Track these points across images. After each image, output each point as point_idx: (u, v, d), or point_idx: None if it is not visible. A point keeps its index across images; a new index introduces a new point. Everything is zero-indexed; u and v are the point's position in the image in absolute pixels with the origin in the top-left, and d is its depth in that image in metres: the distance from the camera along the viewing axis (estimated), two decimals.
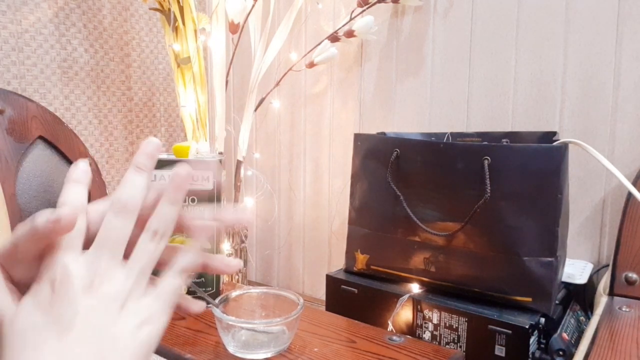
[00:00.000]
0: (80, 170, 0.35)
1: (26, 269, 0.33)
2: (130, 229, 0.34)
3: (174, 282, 0.35)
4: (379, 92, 1.16)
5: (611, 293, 0.80)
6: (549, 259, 0.73)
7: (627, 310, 0.75)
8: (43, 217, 0.30)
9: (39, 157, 1.01)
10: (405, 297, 0.81)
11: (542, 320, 0.73)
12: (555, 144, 0.75)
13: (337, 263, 1.25)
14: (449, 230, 0.78)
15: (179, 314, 0.73)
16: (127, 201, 0.34)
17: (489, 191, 0.72)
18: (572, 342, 0.76)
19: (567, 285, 0.85)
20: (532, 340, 0.70)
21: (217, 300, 0.64)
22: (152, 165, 0.36)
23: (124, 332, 0.32)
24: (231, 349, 0.62)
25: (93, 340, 0.31)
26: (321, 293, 1.27)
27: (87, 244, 0.34)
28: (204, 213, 0.38)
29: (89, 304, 0.31)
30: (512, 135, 0.90)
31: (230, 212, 0.38)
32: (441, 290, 0.81)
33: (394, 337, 0.66)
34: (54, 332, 0.30)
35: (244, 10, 1.06)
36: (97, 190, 1.05)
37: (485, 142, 0.90)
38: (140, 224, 0.34)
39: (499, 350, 0.72)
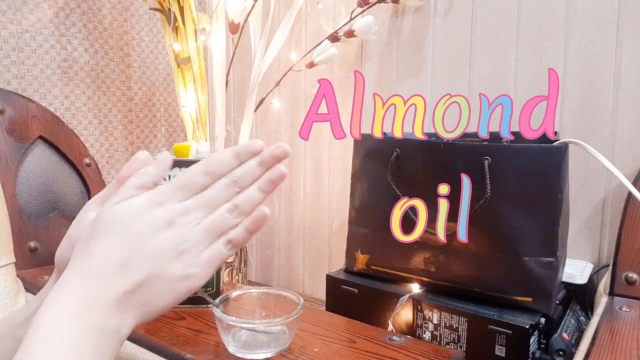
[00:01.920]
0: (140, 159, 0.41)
1: None
2: (205, 186, 0.38)
3: (224, 251, 0.38)
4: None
5: (611, 293, 0.80)
6: (549, 259, 0.73)
7: (627, 310, 0.75)
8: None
9: (39, 157, 1.01)
10: (406, 297, 0.81)
11: (542, 320, 0.73)
12: (555, 144, 0.75)
13: (337, 263, 1.25)
14: (449, 230, 0.78)
15: (179, 314, 0.73)
16: (217, 164, 0.38)
17: (489, 191, 0.72)
18: (572, 342, 0.76)
19: (568, 285, 0.85)
20: (532, 340, 0.70)
21: (217, 300, 0.64)
22: (247, 157, 0.39)
23: (173, 274, 0.36)
24: (231, 349, 0.62)
25: (148, 262, 0.35)
26: (321, 293, 1.27)
27: None
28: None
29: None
30: (512, 135, 0.90)
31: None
32: (441, 290, 0.81)
33: (394, 337, 0.66)
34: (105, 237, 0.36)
35: (244, 10, 1.06)
36: (97, 190, 1.05)
37: (485, 142, 0.90)
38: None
39: (499, 351, 0.72)
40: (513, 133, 0.92)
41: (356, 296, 0.87)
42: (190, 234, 0.37)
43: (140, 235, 0.36)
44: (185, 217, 0.37)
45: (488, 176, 0.73)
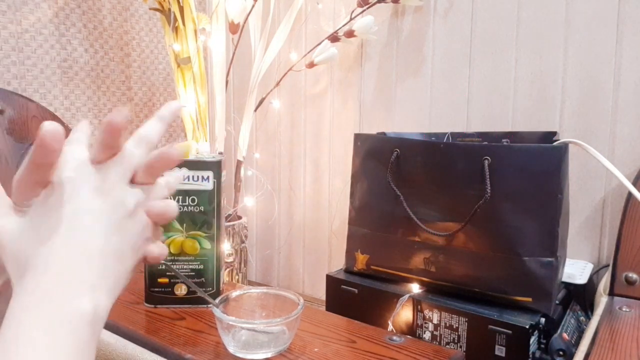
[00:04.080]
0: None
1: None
2: (142, 159, 0.38)
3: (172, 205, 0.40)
4: (379, 92, 1.16)
5: (611, 293, 0.80)
6: (549, 259, 0.73)
7: (627, 310, 0.75)
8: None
9: None
10: (406, 297, 0.81)
11: (542, 320, 0.73)
12: (555, 144, 0.75)
13: (337, 263, 1.25)
14: (449, 230, 0.78)
15: (179, 314, 0.73)
16: (146, 136, 0.39)
17: (489, 191, 0.72)
18: (572, 342, 0.76)
19: (567, 285, 0.85)
20: (532, 340, 0.70)
21: (217, 300, 0.64)
22: (171, 119, 0.41)
23: (128, 246, 0.37)
24: (231, 349, 0.62)
25: (99, 238, 0.35)
26: (321, 293, 1.27)
27: None
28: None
29: (98, 205, 0.35)
30: (512, 135, 0.90)
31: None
32: (441, 290, 0.81)
33: (394, 337, 0.66)
34: (64, 226, 0.34)
35: (244, 10, 1.06)
36: None
37: (486, 142, 0.90)
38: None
39: (499, 351, 0.72)
40: (513, 133, 0.92)
41: (356, 296, 0.87)
42: (129, 194, 0.38)
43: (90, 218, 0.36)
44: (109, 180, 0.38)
45: (488, 176, 0.73)
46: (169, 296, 0.74)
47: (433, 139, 0.97)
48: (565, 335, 0.76)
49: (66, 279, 0.33)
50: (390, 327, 0.82)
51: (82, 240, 0.35)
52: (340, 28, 1.11)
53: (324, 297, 0.94)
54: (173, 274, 0.73)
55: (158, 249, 0.40)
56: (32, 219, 0.35)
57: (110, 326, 0.68)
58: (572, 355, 0.70)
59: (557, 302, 0.78)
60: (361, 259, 0.90)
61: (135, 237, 0.37)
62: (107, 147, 0.37)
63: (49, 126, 0.33)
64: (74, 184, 0.35)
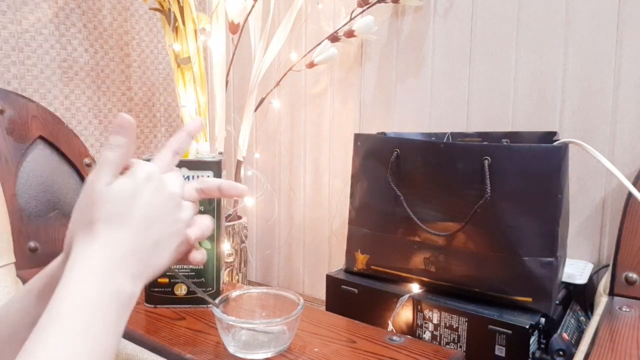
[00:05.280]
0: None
1: None
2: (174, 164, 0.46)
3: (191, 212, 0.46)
4: (379, 92, 1.16)
5: (611, 293, 0.80)
6: (549, 259, 0.73)
7: (627, 310, 0.75)
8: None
9: (39, 157, 1.01)
10: (406, 297, 0.81)
11: (542, 320, 0.73)
12: (555, 144, 0.75)
13: (337, 263, 1.25)
14: (449, 230, 0.78)
15: (179, 314, 0.73)
16: (179, 148, 0.47)
17: (489, 191, 0.72)
18: (572, 342, 0.76)
19: (567, 285, 0.85)
20: (532, 340, 0.70)
21: (217, 300, 0.64)
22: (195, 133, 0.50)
23: (174, 242, 0.43)
24: (231, 349, 0.62)
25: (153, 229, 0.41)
26: (321, 293, 1.27)
27: None
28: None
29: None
30: (512, 135, 0.90)
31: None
32: (441, 290, 0.81)
33: (394, 337, 0.66)
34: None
35: (244, 10, 1.06)
36: None
37: (485, 142, 0.90)
38: None
39: (499, 350, 0.72)
40: (513, 133, 0.92)
41: (356, 296, 0.87)
42: (185, 207, 0.44)
43: (147, 207, 0.40)
44: (180, 187, 0.45)
45: (488, 176, 0.73)
46: (169, 296, 0.74)
47: (433, 139, 0.97)
48: (565, 335, 0.76)
49: (109, 266, 0.38)
50: (390, 327, 0.82)
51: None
52: (340, 28, 1.11)
53: (324, 297, 0.94)
54: (173, 274, 0.73)
55: (200, 255, 0.47)
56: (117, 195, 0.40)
57: None
58: (572, 355, 0.70)
59: (557, 302, 0.78)
60: (361, 259, 0.90)
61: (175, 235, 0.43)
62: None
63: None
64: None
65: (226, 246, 1.16)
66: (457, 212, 0.77)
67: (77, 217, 0.40)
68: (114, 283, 0.37)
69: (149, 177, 0.41)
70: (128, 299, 0.38)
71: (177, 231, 0.43)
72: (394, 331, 0.81)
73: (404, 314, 0.81)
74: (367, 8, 1.07)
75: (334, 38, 1.12)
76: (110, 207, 0.39)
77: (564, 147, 0.73)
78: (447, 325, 0.77)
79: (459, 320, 0.76)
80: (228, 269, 1.16)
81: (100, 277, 0.37)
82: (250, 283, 1.41)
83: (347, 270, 0.93)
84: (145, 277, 0.40)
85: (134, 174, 0.41)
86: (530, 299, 0.74)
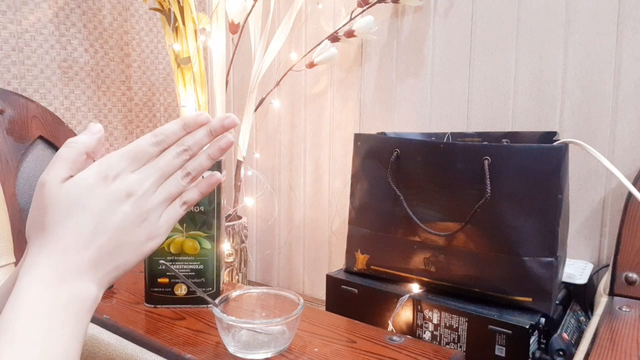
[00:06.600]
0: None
1: None
2: (155, 155, 0.41)
3: (180, 212, 0.42)
4: (379, 92, 1.16)
5: (611, 293, 0.80)
6: (549, 259, 0.73)
7: (627, 310, 0.75)
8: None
9: (39, 157, 1.01)
10: (406, 297, 0.81)
11: (542, 320, 0.73)
12: (555, 144, 0.75)
13: (337, 263, 1.25)
14: (449, 230, 0.78)
15: (179, 314, 0.73)
16: (166, 135, 0.41)
17: (489, 191, 0.72)
18: (572, 342, 0.76)
19: (567, 285, 0.85)
20: (532, 340, 0.70)
21: (217, 300, 0.64)
22: (194, 127, 0.42)
23: (138, 240, 0.39)
24: (231, 349, 0.62)
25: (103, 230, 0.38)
26: (321, 293, 1.27)
27: None
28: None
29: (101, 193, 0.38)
30: (512, 135, 0.90)
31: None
32: (441, 290, 0.81)
33: (394, 337, 0.66)
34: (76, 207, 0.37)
35: (244, 10, 1.06)
36: None
37: (485, 142, 0.90)
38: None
39: (499, 350, 0.72)
40: (513, 133, 0.92)
41: (356, 296, 0.87)
42: (149, 203, 0.39)
43: (102, 212, 0.37)
44: (142, 187, 0.39)
45: (488, 176, 0.73)
46: (169, 296, 0.75)
47: (433, 139, 0.97)
48: (565, 335, 0.76)
49: (64, 267, 0.36)
50: (390, 327, 0.82)
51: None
52: (340, 28, 1.11)
53: (324, 297, 0.94)
54: (173, 274, 0.73)
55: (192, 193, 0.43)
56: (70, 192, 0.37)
57: (110, 326, 0.68)
58: (572, 355, 0.70)
59: (557, 302, 0.78)
60: (361, 259, 0.90)
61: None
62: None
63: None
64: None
65: (226, 246, 1.16)
66: (457, 212, 0.77)
67: (31, 220, 0.38)
68: (72, 288, 0.36)
69: (102, 174, 0.38)
70: (89, 302, 0.37)
71: (143, 226, 0.39)
72: (394, 331, 0.81)
73: (404, 314, 0.81)
74: (367, 8, 1.07)
75: (334, 38, 1.12)
76: (63, 211, 0.37)
77: (564, 147, 0.73)
78: (447, 325, 0.77)
79: (459, 320, 0.76)
80: (228, 269, 1.16)
81: (56, 283, 0.35)
82: (250, 283, 1.41)
83: (347, 270, 0.93)
84: (108, 278, 0.38)
85: (90, 169, 0.38)
86: (530, 299, 0.74)
